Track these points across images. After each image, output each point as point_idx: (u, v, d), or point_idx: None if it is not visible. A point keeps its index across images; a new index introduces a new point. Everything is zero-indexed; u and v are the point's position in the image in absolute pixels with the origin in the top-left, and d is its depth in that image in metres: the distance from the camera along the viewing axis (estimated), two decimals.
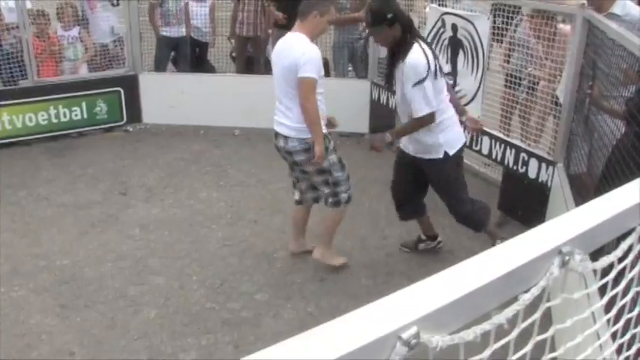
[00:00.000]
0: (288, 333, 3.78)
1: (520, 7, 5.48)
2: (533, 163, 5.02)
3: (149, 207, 5.47)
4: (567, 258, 0.84)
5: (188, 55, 8.23)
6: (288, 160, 4.29)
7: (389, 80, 4.27)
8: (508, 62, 5.59)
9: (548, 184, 4.86)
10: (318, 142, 3.98)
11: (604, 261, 0.97)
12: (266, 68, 8.66)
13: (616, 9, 4.26)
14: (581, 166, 4.50)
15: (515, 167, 5.22)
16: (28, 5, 6.84)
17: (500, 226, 5.25)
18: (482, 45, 5.53)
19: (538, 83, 5.40)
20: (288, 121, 4.05)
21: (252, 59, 8.66)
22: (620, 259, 1.01)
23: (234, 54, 9.02)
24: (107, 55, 7.36)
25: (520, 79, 5.42)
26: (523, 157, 5.12)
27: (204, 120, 7.31)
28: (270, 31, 8.77)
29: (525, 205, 5.12)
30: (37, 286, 4.31)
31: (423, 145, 4.21)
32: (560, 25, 5.05)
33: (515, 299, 0.86)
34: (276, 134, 4.17)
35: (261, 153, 6.41)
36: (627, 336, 1.14)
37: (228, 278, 4.38)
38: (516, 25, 5.56)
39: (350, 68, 7.94)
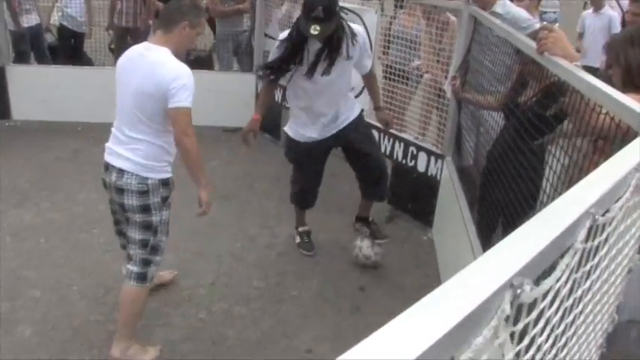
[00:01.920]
0: (180, 342, 3.62)
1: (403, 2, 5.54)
2: (422, 157, 5.06)
3: (22, 212, 5.05)
4: (518, 291, 0.75)
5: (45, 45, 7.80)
6: (113, 201, 3.36)
7: (314, 68, 3.95)
8: (385, 54, 5.64)
9: (438, 177, 4.92)
10: (205, 187, 3.34)
11: (545, 285, 0.89)
12: None
13: (497, 8, 4.39)
14: (468, 159, 4.59)
15: (404, 161, 5.25)
16: None
17: (390, 220, 5.28)
18: (369, 39, 5.52)
19: (422, 76, 5.48)
20: (131, 154, 3.18)
21: None
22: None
23: (112, 45, 8.59)
24: None
25: (401, 71, 5.46)
26: (412, 151, 5.16)
27: (81, 116, 6.86)
28: (150, 22, 8.42)
29: (415, 198, 5.17)
30: None
31: (349, 109, 4.31)
32: (451, 17, 5.11)
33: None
34: (107, 165, 3.27)
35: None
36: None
37: (113, 287, 4.08)
38: (392, 18, 5.60)
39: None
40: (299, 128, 4.32)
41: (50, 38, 8.32)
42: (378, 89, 4.70)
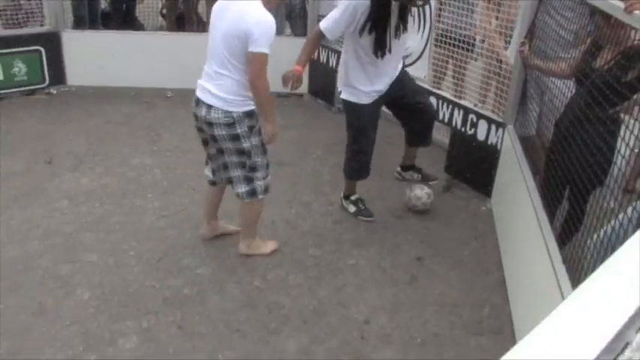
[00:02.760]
0: (235, 311, 3.58)
1: None
2: (483, 125, 4.88)
3: (77, 176, 5.07)
4: None
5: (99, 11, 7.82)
6: (204, 133, 3.71)
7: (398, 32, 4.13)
8: (439, 21, 5.42)
9: (498, 146, 4.74)
10: (271, 122, 3.66)
11: None
12: (198, 26, 8.26)
13: None
14: (531, 129, 4.41)
15: (463, 129, 5.08)
16: None
17: (447, 189, 5.14)
18: (429, 2, 5.33)
19: (474, 43, 5.28)
20: (217, 90, 3.52)
21: (183, 16, 8.22)
22: None
23: (164, 11, 8.57)
24: (20, 9, 6.75)
25: (457, 35, 5.27)
26: (472, 119, 4.98)
27: (134, 81, 6.86)
28: None
29: (474, 167, 5.01)
30: None
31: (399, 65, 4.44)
32: None
33: None
34: (198, 100, 3.61)
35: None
36: None
37: (168, 252, 4.08)
38: None
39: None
40: (363, 88, 4.26)
41: (103, 4, 8.32)
42: None
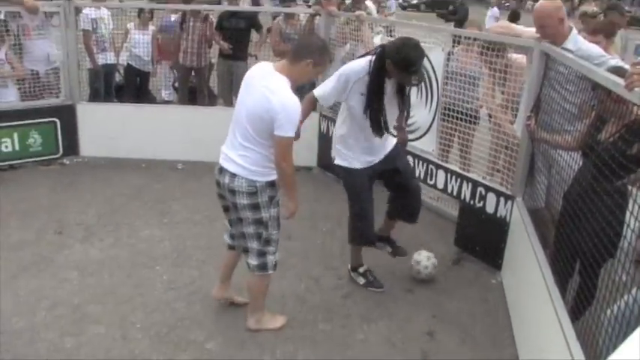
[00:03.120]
0: None
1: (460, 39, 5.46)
2: (491, 198, 4.90)
3: (87, 247, 5.08)
4: None
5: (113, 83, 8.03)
6: (225, 200, 3.82)
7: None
8: (444, 95, 5.52)
9: (507, 218, 4.74)
10: (293, 199, 3.80)
11: None
12: (209, 99, 8.42)
13: (569, 44, 4.21)
14: (539, 201, 4.41)
15: (472, 202, 5.09)
16: None
17: (457, 262, 5.12)
18: (436, 77, 5.43)
19: (477, 116, 5.36)
20: (241, 161, 3.60)
21: (195, 90, 8.40)
22: None
23: (176, 84, 8.76)
24: (38, 82, 6.92)
25: (461, 108, 5.36)
26: (480, 192, 5.00)
27: (145, 153, 6.96)
28: (213, 61, 8.56)
29: (483, 240, 4.99)
30: None
31: (391, 138, 4.47)
32: (514, 56, 5.00)
33: None
34: (221, 169, 3.71)
35: (207, 187, 6.00)
36: None
37: (176, 325, 4.05)
38: (449, 55, 5.50)
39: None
40: (357, 155, 4.35)
41: (117, 77, 8.54)
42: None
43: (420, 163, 5.58)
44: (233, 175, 3.63)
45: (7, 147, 6.68)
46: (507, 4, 39.91)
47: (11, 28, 6.67)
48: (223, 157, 3.72)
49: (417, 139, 5.71)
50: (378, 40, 6.05)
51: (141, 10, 8.42)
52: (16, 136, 6.71)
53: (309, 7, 7.80)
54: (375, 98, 4.09)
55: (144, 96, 8.40)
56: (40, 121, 6.83)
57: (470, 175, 5.20)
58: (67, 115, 6.95)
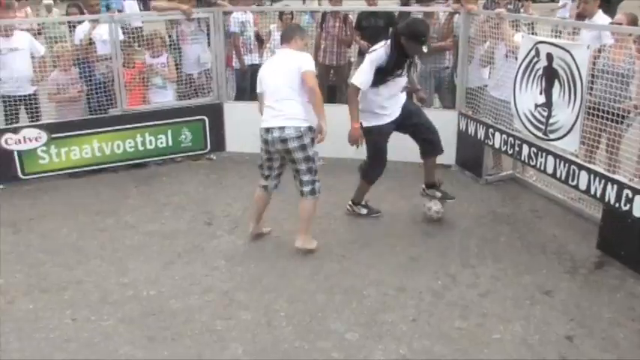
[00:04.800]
0: None
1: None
2: (639, 201, 4.71)
3: (234, 238, 5.43)
4: None
5: None
6: (275, 149, 4.93)
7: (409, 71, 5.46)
8: (590, 94, 5.31)
9: None
10: (323, 119, 4.88)
11: None
12: None
13: None
14: None
15: (617, 205, 4.92)
16: (121, 37, 6.99)
17: (599, 266, 4.97)
18: (580, 75, 5.29)
19: (627, 116, 5.14)
20: (288, 112, 4.83)
21: (334, 88, 8.61)
22: None
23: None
24: (192, 84, 7.43)
25: (611, 108, 5.15)
26: (627, 194, 4.82)
27: None
28: (352, 59, 8.74)
29: (629, 245, 4.81)
30: (125, 316, 4.30)
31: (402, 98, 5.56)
32: None
33: None
34: (268, 129, 4.88)
35: (348, 183, 6.27)
36: None
37: (317, 315, 4.26)
38: (598, 52, 5.30)
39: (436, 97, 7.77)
40: (384, 116, 5.41)
41: None
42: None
43: (562, 163, 5.45)
44: (281, 128, 4.82)
45: (162, 143, 7.24)
46: None
47: (171, 34, 7.22)
48: (268, 121, 4.92)
49: (558, 138, 5.58)
50: (519, 38, 5.95)
51: (282, 12, 8.74)
52: (169, 132, 7.26)
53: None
54: (399, 61, 5.19)
55: None
56: (190, 119, 7.34)
57: (616, 177, 5.02)
58: (215, 113, 7.40)
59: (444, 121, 6.90)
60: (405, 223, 5.66)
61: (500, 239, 5.35)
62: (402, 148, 6.58)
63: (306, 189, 4.97)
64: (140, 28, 7.43)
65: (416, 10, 7.60)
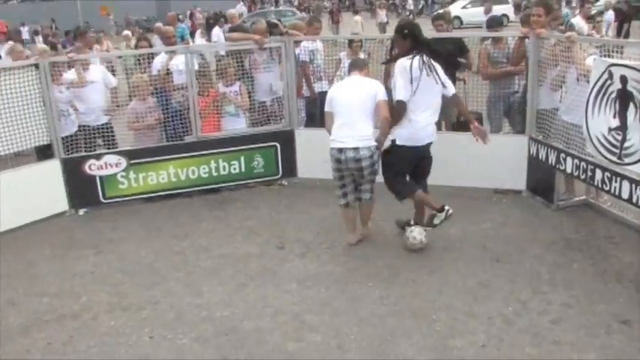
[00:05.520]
0: None
1: None
2: None
3: (306, 262, 5.53)
4: None
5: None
6: (347, 167, 5.44)
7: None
8: None
9: None
10: (385, 138, 5.46)
11: None
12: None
13: None
14: None
15: None
16: (196, 66, 7.28)
17: None
18: None
19: None
20: (362, 133, 5.36)
21: None
22: None
23: None
24: (265, 111, 7.63)
25: None
26: None
27: None
28: None
29: None
30: (199, 336, 4.46)
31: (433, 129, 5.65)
32: None
33: None
34: (341, 149, 5.39)
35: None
36: None
37: (387, 339, 4.29)
38: None
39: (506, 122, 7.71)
40: (417, 132, 5.44)
41: None
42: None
43: (638, 188, 5.32)
44: (355, 149, 5.34)
45: (235, 169, 7.46)
46: None
47: (245, 64, 7.47)
48: (342, 142, 5.40)
49: (634, 162, 5.45)
50: (590, 61, 5.88)
51: (351, 40, 8.89)
52: (242, 159, 7.47)
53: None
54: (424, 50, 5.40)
55: None
56: (262, 146, 7.53)
57: None
58: (286, 139, 7.58)
59: (514, 146, 6.87)
60: (474, 248, 5.63)
61: (573, 266, 5.25)
62: (474, 173, 6.59)
63: (366, 196, 5.66)
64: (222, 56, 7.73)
65: (485, 35, 7.60)
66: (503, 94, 7.37)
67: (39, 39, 27.35)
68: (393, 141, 5.49)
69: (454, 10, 31.15)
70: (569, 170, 6.13)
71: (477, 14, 23.06)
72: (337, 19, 30.65)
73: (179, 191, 7.36)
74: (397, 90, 5.34)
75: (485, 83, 7.55)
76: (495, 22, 8.25)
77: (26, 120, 6.70)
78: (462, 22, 31.28)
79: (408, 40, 5.44)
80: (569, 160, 6.09)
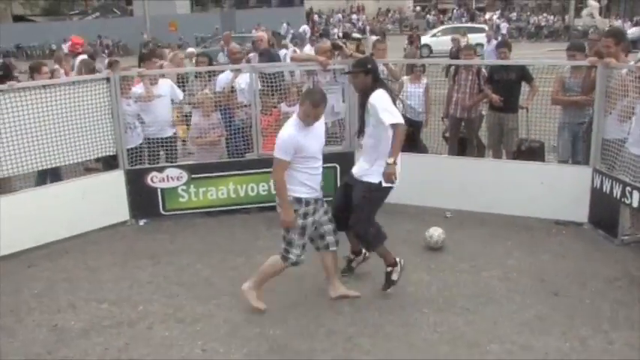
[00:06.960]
0: None
1: None
2: None
3: (360, 285, 5.48)
4: None
5: None
6: None
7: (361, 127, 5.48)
8: None
9: None
10: (284, 209, 4.88)
11: None
12: (478, 150, 8.56)
13: None
14: None
15: None
16: (259, 86, 7.41)
17: None
18: None
19: None
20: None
21: (464, 140, 8.60)
22: None
23: (446, 134, 9.03)
24: (326, 132, 7.66)
25: None
26: None
27: (414, 199, 7.28)
28: (484, 112, 8.70)
29: None
30: (251, 352, 4.51)
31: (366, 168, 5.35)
32: None
33: None
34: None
35: (474, 237, 6.23)
36: None
37: None
38: None
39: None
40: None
41: None
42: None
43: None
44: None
45: None
46: None
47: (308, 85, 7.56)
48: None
49: None
50: None
51: (414, 65, 8.90)
52: None
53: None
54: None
55: (415, 145, 8.78)
56: (323, 166, 7.54)
57: None
58: (346, 161, 7.57)
59: (577, 177, 6.72)
60: (532, 280, 5.50)
61: (637, 305, 5.07)
62: (534, 203, 6.46)
63: (281, 251, 5.06)
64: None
65: (547, 64, 7.49)
66: (570, 123, 7.23)
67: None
68: (380, 182, 5.15)
69: (424, 38, 30.62)
70: (635, 205, 5.95)
71: (446, 43, 22.69)
72: (417, 45, 30.66)
73: (237, 207, 7.46)
74: (394, 114, 5.01)
75: (550, 113, 7.44)
76: (575, 48, 7.82)
77: (95, 131, 6.93)
78: (431, 51, 30.59)
79: (370, 76, 5.25)
80: (635, 194, 5.91)
